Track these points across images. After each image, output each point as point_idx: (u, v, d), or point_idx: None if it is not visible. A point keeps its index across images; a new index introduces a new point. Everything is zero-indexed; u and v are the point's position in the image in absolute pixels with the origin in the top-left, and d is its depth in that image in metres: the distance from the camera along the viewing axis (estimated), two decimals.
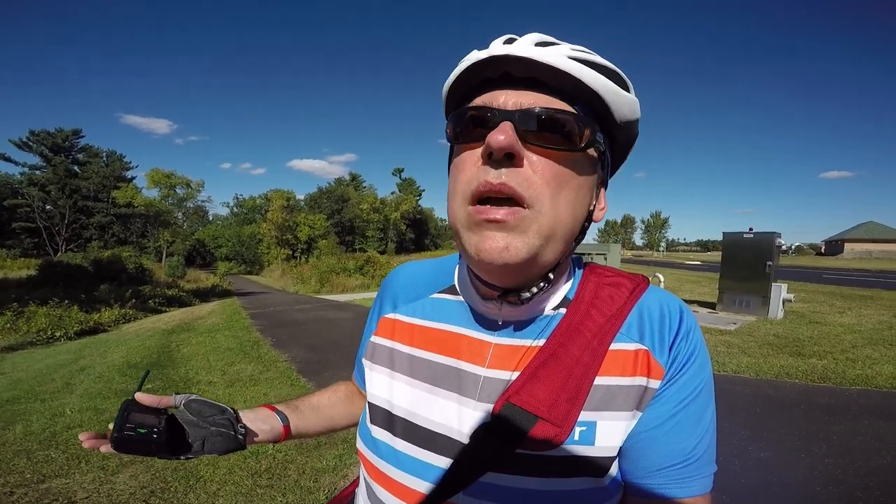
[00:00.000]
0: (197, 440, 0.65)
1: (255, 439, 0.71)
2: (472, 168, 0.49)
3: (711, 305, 9.74)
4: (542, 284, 0.54)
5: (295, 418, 0.77)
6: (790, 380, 4.71)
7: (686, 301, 8.50)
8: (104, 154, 48.16)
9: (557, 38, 0.52)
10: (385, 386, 0.65)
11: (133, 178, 48.08)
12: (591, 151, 0.52)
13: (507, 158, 0.46)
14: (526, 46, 0.48)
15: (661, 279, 10.79)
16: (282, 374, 5.09)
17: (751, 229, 8.93)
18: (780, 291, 8.31)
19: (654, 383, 0.53)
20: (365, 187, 63.93)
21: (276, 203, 49.07)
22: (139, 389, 0.67)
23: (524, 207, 0.46)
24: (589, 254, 10.79)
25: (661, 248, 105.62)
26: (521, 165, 0.47)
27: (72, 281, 17.54)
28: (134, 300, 14.56)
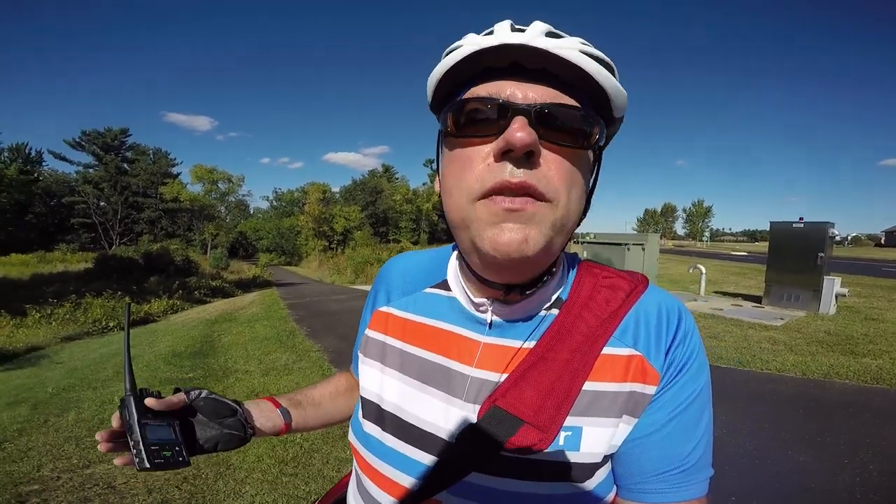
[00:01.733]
0: (209, 442, 0.65)
1: (260, 434, 0.73)
2: (481, 165, 0.46)
3: (757, 299, 9.28)
4: (545, 278, 0.53)
5: (296, 414, 0.77)
6: (840, 380, 4.44)
7: (730, 294, 8.25)
8: (151, 151, 50.57)
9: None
10: (376, 380, 0.65)
11: (178, 174, 50.33)
12: (598, 148, 0.52)
13: (526, 157, 0.45)
14: (538, 36, 0.45)
15: (703, 270, 10.38)
16: (314, 364, 5.22)
17: (801, 219, 8.45)
18: (833, 285, 7.83)
19: (650, 389, 0.53)
20: (397, 179, 64.54)
21: (312, 196, 50.23)
22: (128, 351, 0.62)
23: (543, 203, 0.45)
24: (626, 244, 10.48)
25: (704, 238, 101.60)
26: (538, 163, 0.45)
27: (124, 273, 18.58)
28: (181, 291, 15.28)
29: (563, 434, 0.52)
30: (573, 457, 0.51)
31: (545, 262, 0.51)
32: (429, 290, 0.67)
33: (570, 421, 0.52)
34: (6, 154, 42.62)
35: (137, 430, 0.58)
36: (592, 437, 0.52)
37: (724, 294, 10.56)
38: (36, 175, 44.11)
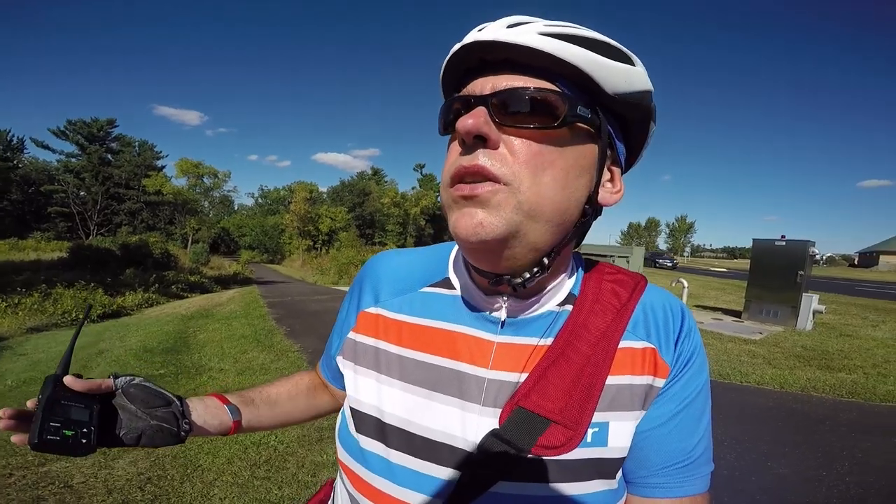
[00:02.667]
0: (132, 432, 0.58)
1: (201, 433, 0.66)
2: (454, 155, 0.48)
3: (737, 314, 9.46)
4: (535, 270, 0.50)
5: (247, 412, 0.71)
6: (816, 394, 4.52)
7: (710, 308, 8.38)
8: (136, 143, 49.56)
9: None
10: (373, 391, 0.59)
11: (163, 167, 49.29)
12: (582, 127, 0.48)
13: (480, 142, 0.45)
14: (496, 29, 0.46)
15: (686, 285, 10.51)
16: (292, 364, 5.11)
17: (783, 237, 8.63)
18: (811, 302, 8.01)
19: (659, 381, 0.53)
20: (386, 182, 64.34)
21: (299, 195, 49.81)
22: (74, 339, 0.61)
23: (500, 186, 0.45)
24: (611, 256, 10.58)
25: (685, 253, 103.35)
26: (496, 148, 0.46)
27: (100, 264, 18.08)
28: (157, 285, 14.96)
29: (591, 431, 0.51)
30: (602, 453, 0.51)
31: (524, 252, 0.48)
32: (427, 289, 0.63)
33: (596, 417, 0.51)
34: None
35: (42, 404, 0.53)
36: (619, 432, 0.52)
37: (705, 308, 10.72)
38: (15, 162, 42.98)
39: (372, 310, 0.64)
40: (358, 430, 0.59)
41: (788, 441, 3.34)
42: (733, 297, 12.69)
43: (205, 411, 0.66)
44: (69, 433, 0.53)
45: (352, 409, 0.61)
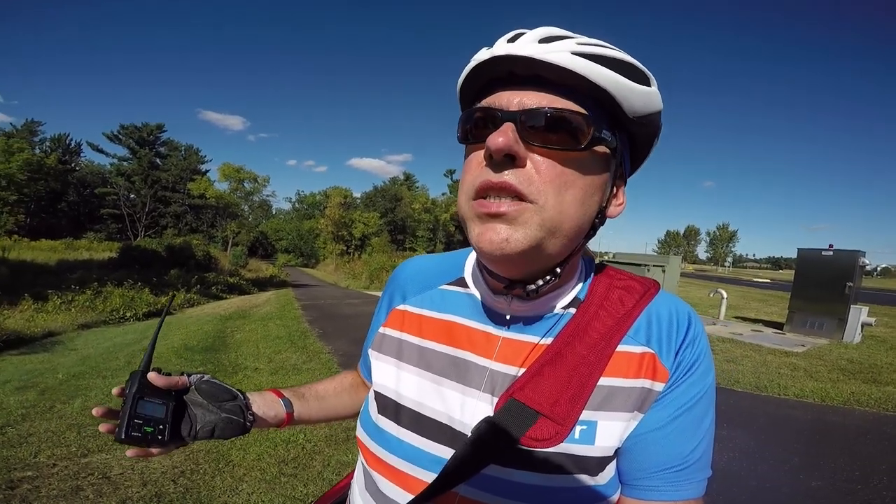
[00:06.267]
0: (206, 426, 0.64)
1: (261, 425, 0.72)
2: (477, 168, 0.50)
3: (779, 326, 9.05)
4: (548, 278, 0.53)
5: (299, 406, 0.77)
6: (860, 407, 4.31)
7: (750, 320, 8.03)
8: (183, 148, 51.66)
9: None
10: (392, 376, 0.65)
11: (207, 171, 51.20)
12: (601, 149, 0.50)
13: (509, 159, 0.47)
14: (528, 44, 0.47)
15: (724, 295, 10.13)
16: (323, 366, 5.24)
17: (830, 246, 8.23)
18: (860, 314, 7.59)
19: (658, 386, 0.54)
20: (418, 187, 64.75)
21: (334, 200, 50.78)
22: (156, 336, 0.66)
23: (527, 202, 0.46)
24: (646, 265, 10.29)
25: (726, 264, 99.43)
26: (523, 166, 0.47)
27: (146, 264, 19.00)
28: (199, 286, 15.55)
29: (578, 428, 0.53)
30: (588, 450, 0.52)
31: (540, 263, 0.51)
32: (445, 286, 0.68)
33: (585, 415, 0.53)
34: (47, 144, 44.09)
35: (129, 402, 0.59)
36: (607, 432, 0.53)
37: (745, 319, 10.31)
38: (73, 165, 45.57)
39: (400, 307, 0.70)
40: (378, 412, 0.64)
41: (825, 454, 3.21)
42: (775, 308, 12.18)
43: (263, 404, 0.72)
44: (149, 430, 0.59)
45: (375, 393, 0.66)
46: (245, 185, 42.61)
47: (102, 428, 0.60)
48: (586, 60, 0.46)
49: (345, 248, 48.80)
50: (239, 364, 5.26)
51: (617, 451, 0.54)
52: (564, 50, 0.46)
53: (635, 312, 0.58)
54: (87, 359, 5.74)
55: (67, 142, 46.58)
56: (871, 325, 7.81)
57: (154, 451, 0.62)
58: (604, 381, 0.54)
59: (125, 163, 47.00)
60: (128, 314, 10.12)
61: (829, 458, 3.16)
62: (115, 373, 4.85)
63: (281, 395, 0.76)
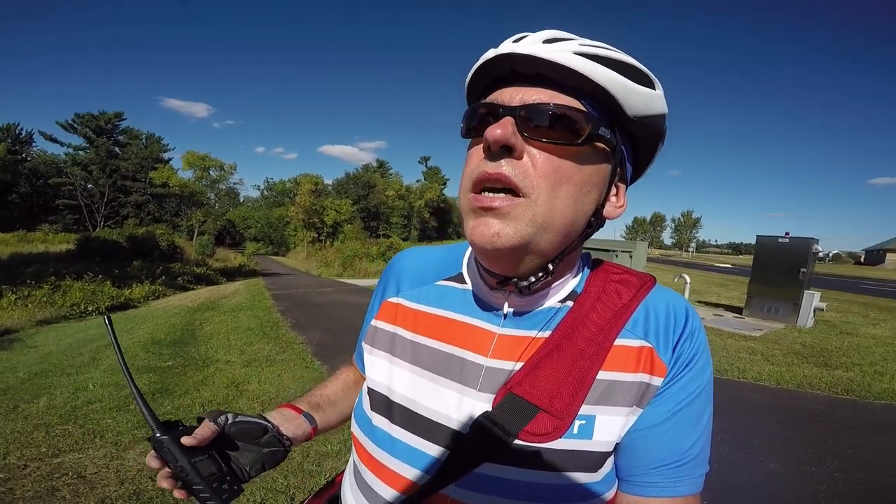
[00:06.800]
0: (255, 464, 0.64)
1: (294, 445, 0.72)
2: (477, 160, 0.51)
3: (738, 310, 9.46)
4: (540, 275, 0.53)
5: (319, 417, 0.77)
6: (812, 391, 4.55)
7: (712, 304, 8.36)
8: (144, 136, 49.64)
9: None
10: (385, 372, 0.65)
11: (170, 159, 49.38)
12: (600, 146, 0.51)
13: (506, 151, 0.48)
14: (532, 44, 0.49)
15: (688, 280, 10.51)
16: (297, 356, 5.18)
17: (787, 234, 8.59)
18: (813, 299, 8.00)
19: (657, 381, 0.54)
20: (391, 174, 64.31)
21: (304, 187, 49.84)
22: (142, 397, 0.60)
23: (520, 196, 0.48)
24: (614, 250, 10.57)
25: (690, 249, 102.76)
26: (520, 158, 0.48)
27: (107, 256, 18.25)
28: (164, 277, 15.07)
29: (577, 422, 0.53)
30: (586, 445, 0.52)
31: (531, 259, 0.52)
32: (442, 282, 0.68)
33: (584, 409, 0.53)
34: None
35: (194, 472, 0.56)
36: (605, 427, 0.53)
37: (707, 304, 10.71)
38: (24, 155, 43.09)
39: (393, 299, 0.70)
40: (371, 408, 0.64)
41: (781, 436, 3.39)
42: (736, 293, 12.66)
43: (290, 426, 0.71)
44: (224, 486, 0.59)
45: (368, 388, 0.66)
46: (211, 173, 41.24)
47: (177, 494, 0.58)
48: (587, 60, 0.47)
49: (316, 236, 48.11)
50: (210, 357, 5.15)
51: (615, 447, 0.54)
52: (566, 50, 0.47)
53: (633, 305, 0.58)
54: (49, 356, 5.51)
55: (17, 131, 44.01)
56: (822, 309, 8.23)
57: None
58: (602, 374, 0.54)
59: (81, 152, 44.90)
60: (89, 308, 9.71)
61: (786, 440, 3.33)
62: (79, 369, 4.67)
63: (300, 411, 0.75)
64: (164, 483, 0.58)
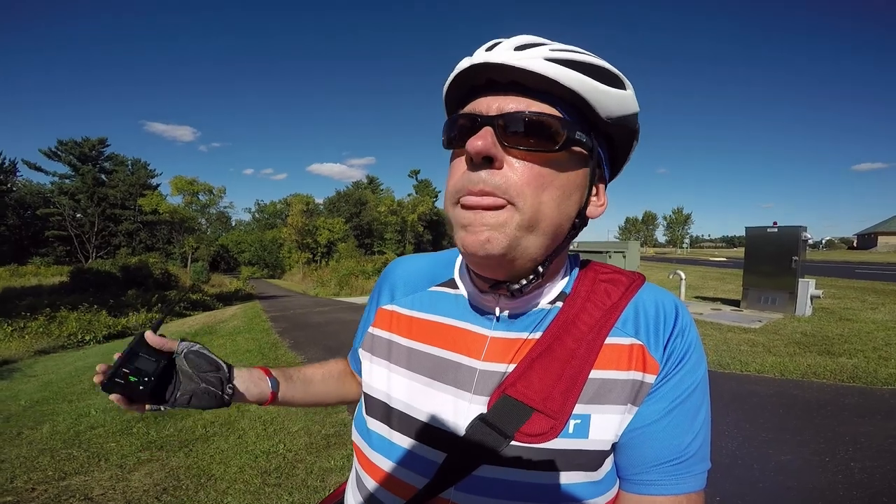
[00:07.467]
0: (185, 393, 0.66)
1: (241, 400, 0.73)
2: (460, 171, 0.51)
3: (736, 303, 9.46)
4: (531, 277, 0.54)
5: (285, 387, 0.78)
6: (818, 380, 4.52)
7: (710, 299, 8.33)
8: (129, 162, 49.53)
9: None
10: (383, 378, 0.66)
11: (158, 185, 49.37)
12: (577, 150, 0.52)
13: (487, 161, 0.49)
14: (504, 51, 0.49)
15: (683, 276, 10.54)
16: None
17: (775, 223, 8.64)
18: (808, 287, 8.01)
19: (650, 378, 0.54)
20: (382, 190, 64.50)
21: (295, 208, 49.84)
22: (155, 331, 0.67)
23: (507, 204, 0.48)
24: (608, 252, 10.62)
25: (684, 245, 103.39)
26: (500, 168, 0.49)
27: (101, 287, 18.14)
28: (160, 304, 14.96)
29: (572, 422, 0.53)
30: (583, 444, 0.53)
31: (522, 263, 0.52)
32: (434, 288, 0.69)
33: (578, 409, 0.53)
34: None
35: (122, 355, 0.63)
36: (601, 425, 0.53)
37: (704, 299, 10.74)
38: (9, 186, 42.85)
39: (388, 307, 0.71)
40: (368, 413, 0.65)
41: (790, 428, 3.36)
42: (732, 286, 12.67)
43: (249, 379, 0.74)
44: (133, 379, 0.62)
45: (365, 395, 0.67)
46: (200, 197, 41.28)
47: (96, 379, 0.63)
48: (559, 65, 0.48)
49: (311, 256, 48.08)
50: None
51: (614, 446, 0.54)
52: (538, 56, 0.48)
53: (622, 304, 0.59)
54: (50, 384, 5.48)
55: (1, 161, 43.83)
56: (819, 297, 8.26)
57: (134, 406, 0.65)
58: (595, 373, 0.54)
59: (67, 181, 44.69)
60: (87, 337, 9.67)
61: (795, 431, 3.29)
62: (80, 396, 4.65)
63: (269, 374, 0.77)
64: (99, 366, 0.64)
